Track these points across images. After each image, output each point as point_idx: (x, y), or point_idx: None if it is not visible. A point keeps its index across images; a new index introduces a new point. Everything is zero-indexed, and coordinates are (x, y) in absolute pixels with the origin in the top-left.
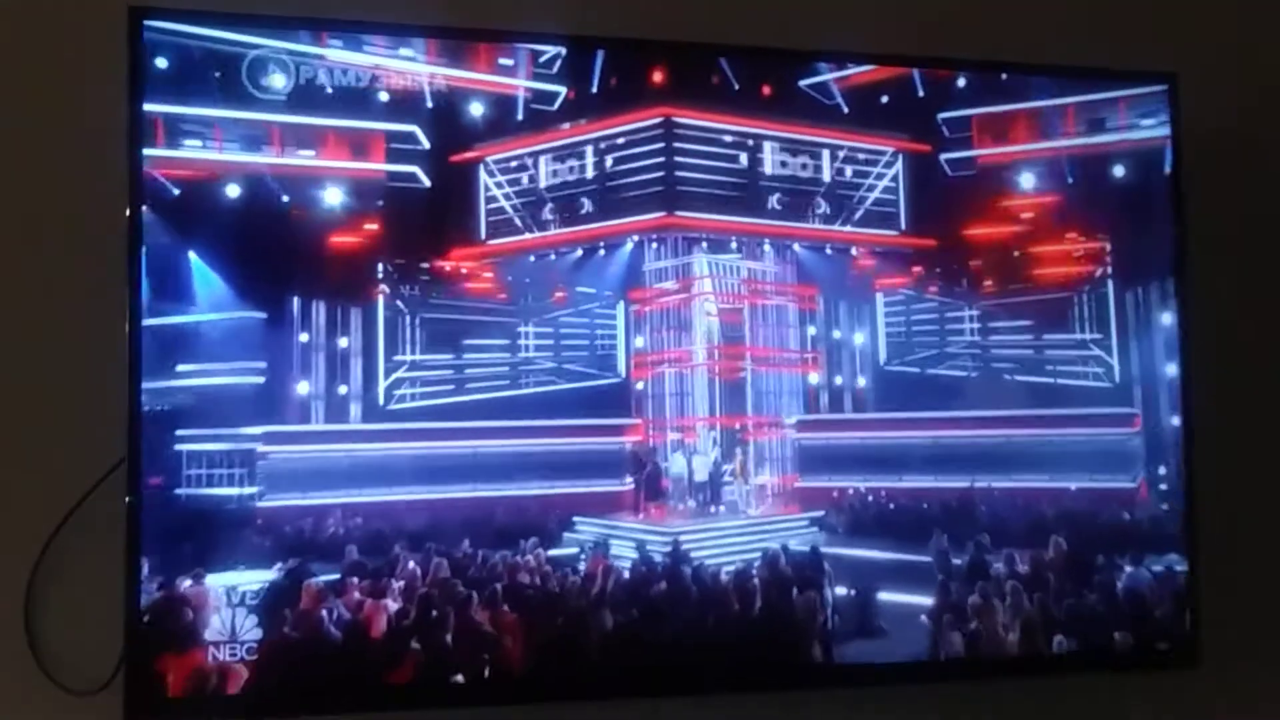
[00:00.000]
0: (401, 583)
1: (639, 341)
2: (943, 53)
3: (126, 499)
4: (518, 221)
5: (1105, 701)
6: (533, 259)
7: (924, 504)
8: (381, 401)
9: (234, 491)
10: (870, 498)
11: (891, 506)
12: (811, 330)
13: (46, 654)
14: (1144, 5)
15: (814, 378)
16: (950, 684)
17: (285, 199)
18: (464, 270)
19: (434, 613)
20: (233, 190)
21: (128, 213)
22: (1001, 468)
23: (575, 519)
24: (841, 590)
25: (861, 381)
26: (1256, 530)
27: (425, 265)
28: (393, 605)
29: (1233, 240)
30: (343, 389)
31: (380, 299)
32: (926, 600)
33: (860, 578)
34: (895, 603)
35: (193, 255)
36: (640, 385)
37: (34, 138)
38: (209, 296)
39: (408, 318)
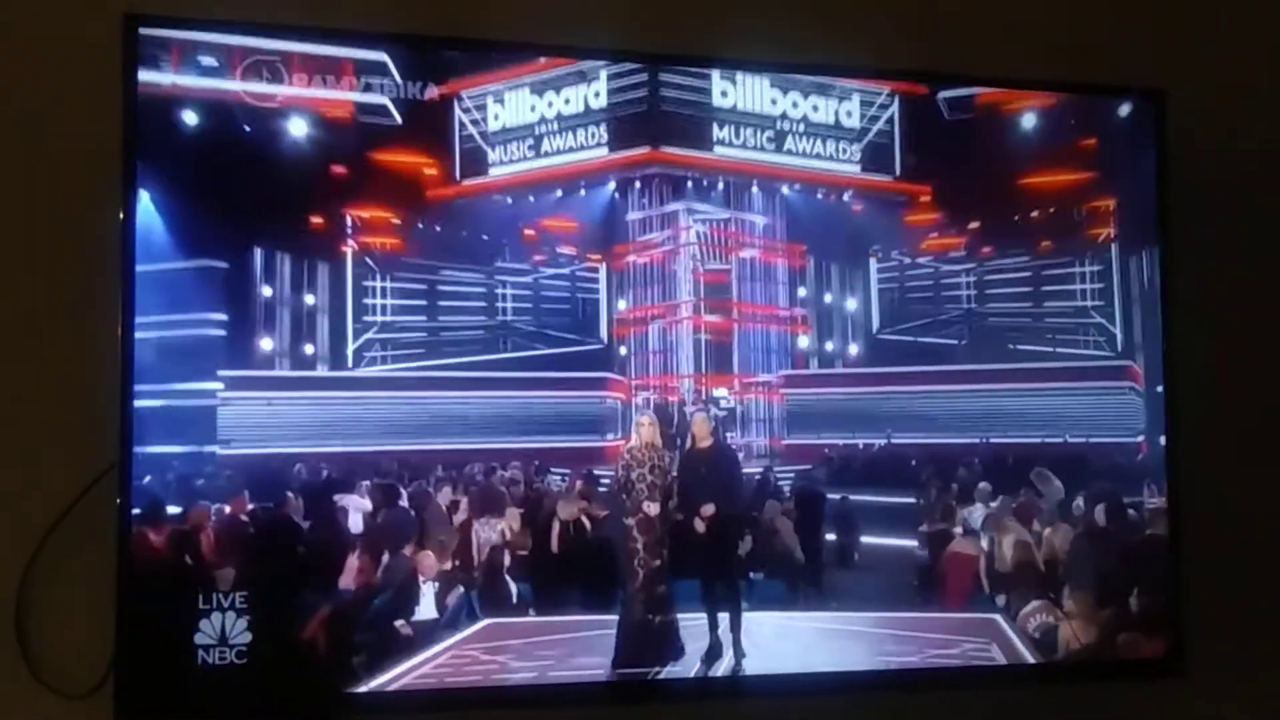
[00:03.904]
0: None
1: (622, 304)
2: (935, 64)
3: (117, 502)
4: (493, 159)
5: (1093, 710)
6: (510, 201)
7: (912, 460)
8: (350, 364)
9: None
10: (860, 446)
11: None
12: (801, 291)
13: (37, 657)
14: (1133, 21)
15: (804, 340)
16: (934, 692)
17: (246, 129)
18: (437, 227)
19: (405, 498)
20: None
21: (121, 216)
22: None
23: (551, 469)
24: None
25: (854, 349)
26: (1242, 539)
27: (396, 218)
28: (365, 501)
29: (1219, 248)
30: (309, 349)
31: (349, 252)
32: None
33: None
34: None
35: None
36: (623, 349)
37: (27, 143)
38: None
39: (378, 275)
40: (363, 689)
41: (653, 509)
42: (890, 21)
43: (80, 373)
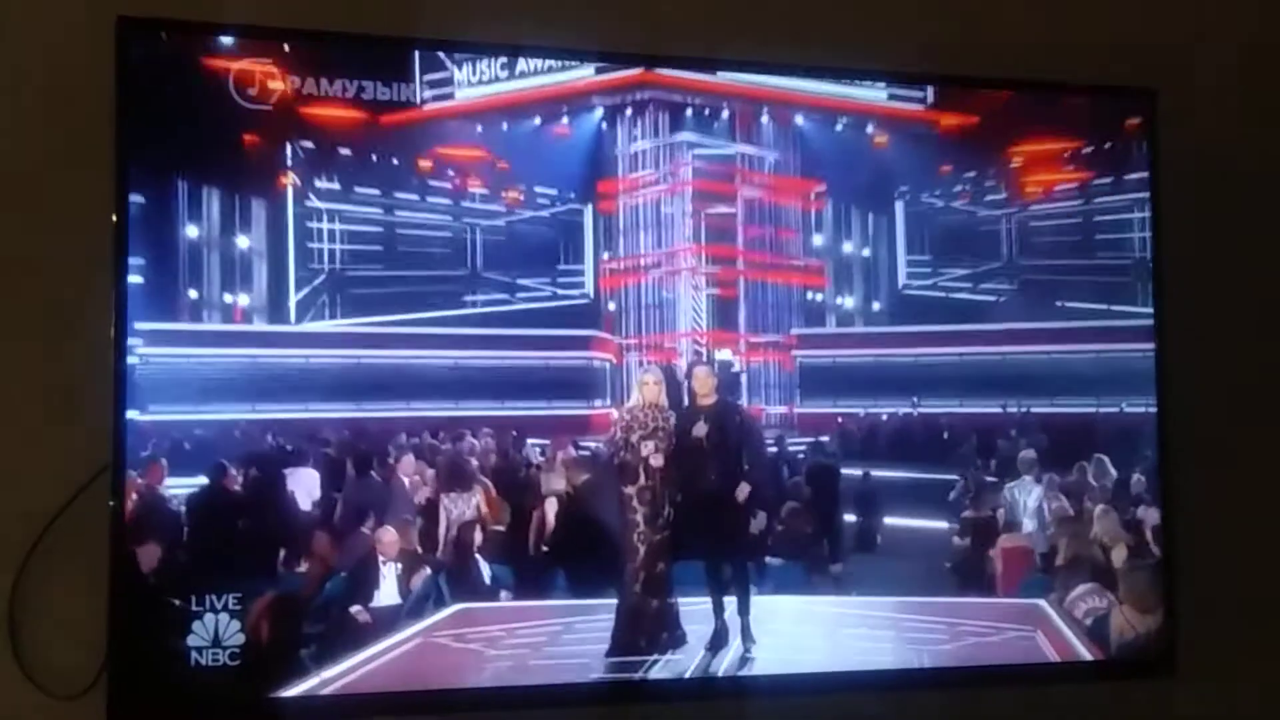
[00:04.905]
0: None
1: (609, 252)
2: (926, 65)
3: (111, 503)
4: (460, 79)
5: (1082, 710)
6: (480, 129)
7: (944, 433)
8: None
9: None
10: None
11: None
12: (817, 238)
13: (30, 658)
14: (1126, 21)
15: (819, 294)
16: (922, 691)
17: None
18: (394, 159)
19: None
20: None
21: (114, 218)
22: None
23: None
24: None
25: (877, 304)
26: (1233, 539)
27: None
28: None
29: (1209, 249)
30: (243, 299)
31: (289, 187)
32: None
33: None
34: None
35: None
36: (612, 304)
37: (15, 142)
38: None
39: (324, 214)
40: (323, 690)
41: (656, 458)
42: (882, 22)
43: (72, 373)
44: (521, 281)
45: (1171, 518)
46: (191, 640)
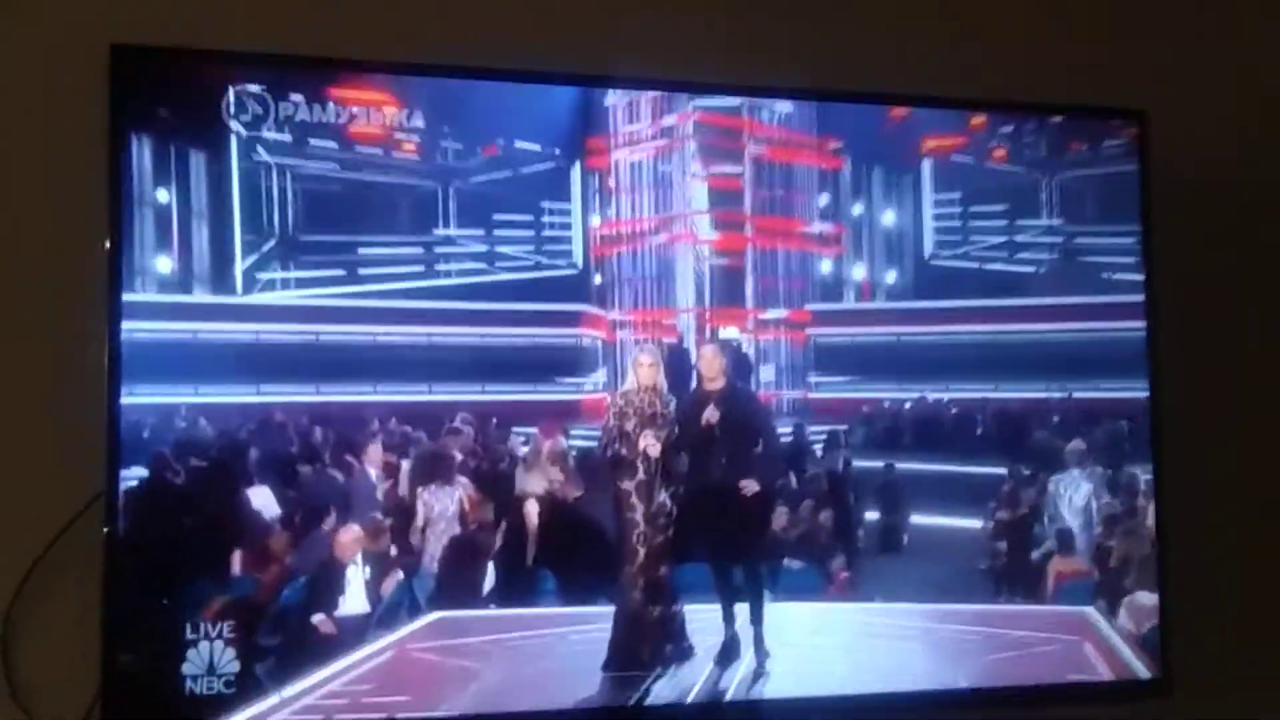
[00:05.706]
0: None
1: (600, 217)
2: (917, 86)
3: (105, 531)
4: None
5: None
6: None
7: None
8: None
9: None
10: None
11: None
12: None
13: (23, 689)
14: (1114, 43)
15: (836, 265)
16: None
17: None
18: (352, 108)
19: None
20: None
21: (107, 245)
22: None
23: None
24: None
25: (900, 277)
26: (1227, 558)
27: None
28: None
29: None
30: (180, 267)
31: (234, 139)
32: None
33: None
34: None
35: None
36: (599, 278)
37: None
38: None
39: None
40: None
41: (654, 449)
42: (870, 39)
43: (64, 400)
44: (501, 249)
45: (1165, 535)
46: (186, 669)
